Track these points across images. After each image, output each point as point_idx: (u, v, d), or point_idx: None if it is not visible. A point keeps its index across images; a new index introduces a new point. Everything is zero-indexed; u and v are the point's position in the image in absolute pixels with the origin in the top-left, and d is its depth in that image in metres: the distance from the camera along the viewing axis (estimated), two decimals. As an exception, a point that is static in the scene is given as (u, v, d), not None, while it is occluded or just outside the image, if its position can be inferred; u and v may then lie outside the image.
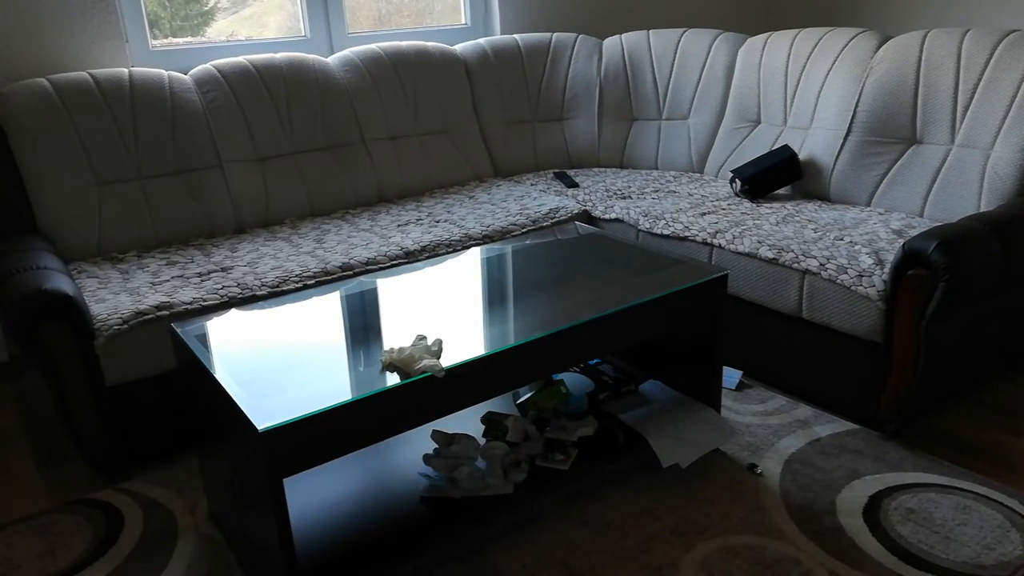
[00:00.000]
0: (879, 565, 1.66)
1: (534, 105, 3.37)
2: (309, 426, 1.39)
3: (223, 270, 2.28)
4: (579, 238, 2.30)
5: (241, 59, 2.79)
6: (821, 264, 2.15)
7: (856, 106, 2.66)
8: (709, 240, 2.45)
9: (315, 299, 1.93)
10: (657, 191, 2.91)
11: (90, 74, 2.52)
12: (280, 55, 2.86)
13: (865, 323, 2.06)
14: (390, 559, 1.60)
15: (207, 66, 2.73)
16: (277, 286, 2.19)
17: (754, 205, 2.68)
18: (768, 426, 2.19)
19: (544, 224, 2.70)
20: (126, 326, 1.97)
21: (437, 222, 2.66)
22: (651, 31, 3.38)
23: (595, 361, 2.31)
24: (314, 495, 1.78)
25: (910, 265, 1.95)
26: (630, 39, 3.38)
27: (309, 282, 2.23)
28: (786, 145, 2.78)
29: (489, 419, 1.96)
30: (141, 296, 2.10)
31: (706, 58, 3.21)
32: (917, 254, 1.93)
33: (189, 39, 2.96)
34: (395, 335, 1.70)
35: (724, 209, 2.63)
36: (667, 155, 3.27)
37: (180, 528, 1.89)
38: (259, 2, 3.15)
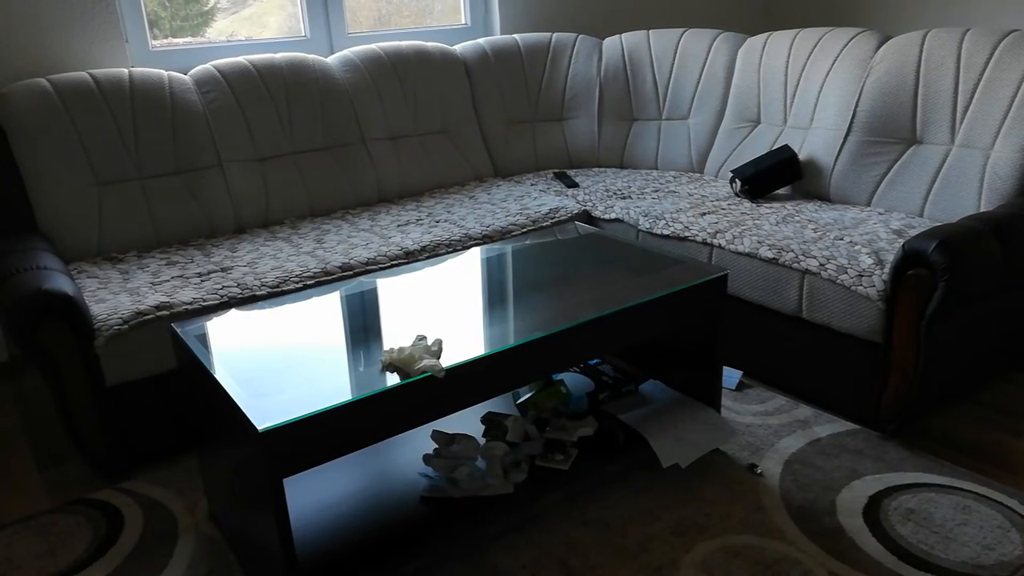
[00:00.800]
0: (879, 565, 1.66)
1: (534, 105, 3.37)
2: (309, 426, 1.39)
3: (223, 270, 2.28)
4: (579, 238, 2.30)
5: (241, 59, 2.79)
6: (821, 264, 2.15)
7: (856, 106, 2.66)
8: (709, 240, 2.45)
9: (315, 299, 1.93)
10: (657, 191, 2.91)
11: (90, 74, 2.52)
12: (280, 55, 2.86)
13: (865, 323, 2.06)
14: (390, 559, 1.60)
15: (207, 66, 2.73)
16: (277, 286, 2.19)
17: (754, 205, 2.68)
18: (768, 426, 2.19)
19: (544, 224, 2.70)
20: (126, 326, 1.97)
21: (437, 222, 2.66)
22: (651, 31, 3.37)
23: (595, 361, 2.31)
24: (314, 495, 1.78)
25: (910, 265, 1.95)
26: (630, 39, 3.37)
27: (309, 282, 2.23)
28: (786, 145, 2.77)
29: (489, 419, 1.96)
30: (141, 296, 2.10)
31: (706, 58, 3.21)
32: (917, 254, 1.93)
33: (189, 39, 2.96)
34: (395, 335, 1.70)
35: (724, 209, 2.63)
36: (667, 155, 3.27)
37: (180, 528, 1.89)
38: (259, 2, 3.15)
